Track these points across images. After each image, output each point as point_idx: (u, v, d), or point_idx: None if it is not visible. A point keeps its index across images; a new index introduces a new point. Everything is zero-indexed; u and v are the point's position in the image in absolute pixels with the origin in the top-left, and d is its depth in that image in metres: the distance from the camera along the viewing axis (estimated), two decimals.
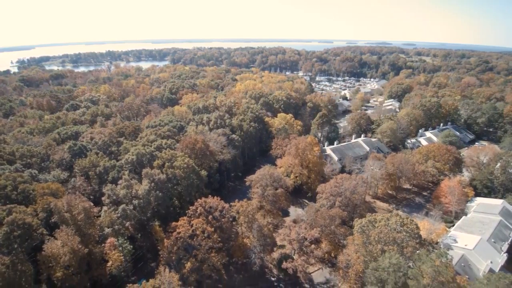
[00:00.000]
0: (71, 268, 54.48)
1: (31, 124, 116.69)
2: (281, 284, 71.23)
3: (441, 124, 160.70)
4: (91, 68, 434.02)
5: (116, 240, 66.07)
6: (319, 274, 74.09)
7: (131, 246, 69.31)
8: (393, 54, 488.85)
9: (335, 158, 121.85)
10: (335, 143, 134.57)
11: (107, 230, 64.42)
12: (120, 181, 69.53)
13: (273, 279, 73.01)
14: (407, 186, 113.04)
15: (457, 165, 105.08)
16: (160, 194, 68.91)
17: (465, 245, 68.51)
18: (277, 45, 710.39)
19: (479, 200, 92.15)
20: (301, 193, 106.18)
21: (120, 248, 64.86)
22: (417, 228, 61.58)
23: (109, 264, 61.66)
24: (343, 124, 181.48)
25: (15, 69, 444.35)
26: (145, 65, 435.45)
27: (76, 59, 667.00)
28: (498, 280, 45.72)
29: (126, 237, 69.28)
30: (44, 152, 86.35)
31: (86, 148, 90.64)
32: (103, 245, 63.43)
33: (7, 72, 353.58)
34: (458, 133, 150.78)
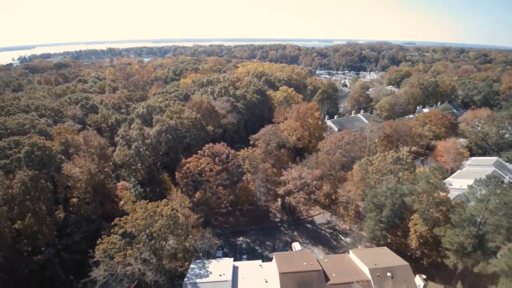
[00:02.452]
0: (87, 195, 58.06)
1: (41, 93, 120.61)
2: (284, 225, 74.79)
3: (439, 103, 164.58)
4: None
5: (128, 182, 69.90)
6: (321, 217, 77.75)
7: (142, 189, 72.91)
8: (393, 50, 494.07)
9: (335, 128, 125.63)
10: (335, 117, 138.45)
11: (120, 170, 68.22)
12: (132, 126, 73.28)
13: (276, 220, 76.65)
14: (404, 152, 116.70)
15: (452, 129, 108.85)
16: (170, 136, 72.60)
17: (460, 186, 72.11)
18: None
19: (474, 158, 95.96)
20: (302, 157, 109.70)
21: (132, 191, 68.48)
22: (413, 162, 65.35)
23: (121, 202, 65.32)
24: (343, 105, 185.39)
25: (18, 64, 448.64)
26: (146, 59, 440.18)
27: (77, 56, 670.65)
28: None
29: (137, 181, 72.90)
30: (57, 108, 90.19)
31: (97, 107, 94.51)
32: (115, 184, 67.20)
33: (10, 65, 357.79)
34: (455, 111, 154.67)
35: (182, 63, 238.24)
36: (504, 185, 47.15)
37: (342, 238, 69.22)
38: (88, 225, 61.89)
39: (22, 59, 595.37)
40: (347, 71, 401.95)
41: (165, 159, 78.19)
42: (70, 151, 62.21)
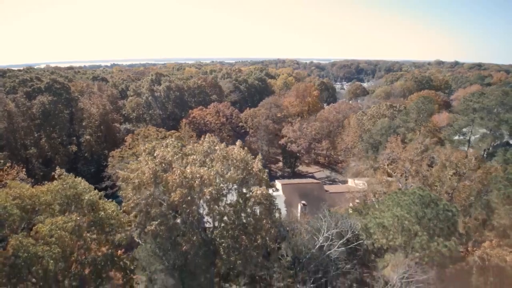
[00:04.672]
0: (99, 133, 61.81)
1: None
2: (285, 179, 77.67)
3: None
4: None
5: None
6: (321, 173, 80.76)
7: None
8: (389, 63, 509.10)
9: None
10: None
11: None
12: (142, 83, 78.13)
13: (277, 174, 79.62)
14: None
15: (446, 107, 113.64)
16: (178, 93, 77.20)
17: None
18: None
19: None
20: None
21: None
22: (406, 110, 69.41)
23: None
24: (341, 100, 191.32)
25: None
26: None
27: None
28: None
29: None
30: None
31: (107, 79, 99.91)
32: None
33: None
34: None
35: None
36: None
37: None
38: (97, 167, 65.07)
39: None
40: (344, 82, 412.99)
41: (172, 117, 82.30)
42: (84, 96, 66.66)
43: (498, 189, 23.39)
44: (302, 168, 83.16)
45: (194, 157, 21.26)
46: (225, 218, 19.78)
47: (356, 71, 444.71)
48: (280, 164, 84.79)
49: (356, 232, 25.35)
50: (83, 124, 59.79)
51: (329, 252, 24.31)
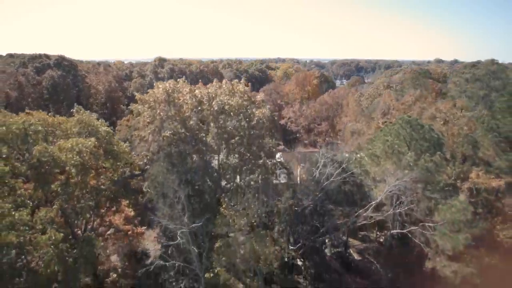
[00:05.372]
0: (105, 110, 63.78)
1: None
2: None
3: None
4: None
5: None
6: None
7: None
8: (389, 62, 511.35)
9: None
10: None
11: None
12: (146, 67, 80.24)
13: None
14: None
15: (441, 95, 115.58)
16: (181, 76, 79.28)
17: None
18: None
19: None
20: None
21: None
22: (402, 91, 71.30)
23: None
24: None
25: None
26: None
27: None
28: None
29: None
30: None
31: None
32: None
33: None
34: None
35: None
36: None
37: None
38: None
39: None
40: (344, 80, 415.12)
41: None
42: (91, 74, 68.81)
43: (482, 122, 25.24)
44: (301, 150, 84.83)
45: (202, 90, 23.04)
46: (232, 140, 21.42)
47: (356, 69, 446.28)
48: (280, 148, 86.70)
49: (351, 169, 27.19)
50: (90, 100, 61.75)
51: (325, 183, 26.13)
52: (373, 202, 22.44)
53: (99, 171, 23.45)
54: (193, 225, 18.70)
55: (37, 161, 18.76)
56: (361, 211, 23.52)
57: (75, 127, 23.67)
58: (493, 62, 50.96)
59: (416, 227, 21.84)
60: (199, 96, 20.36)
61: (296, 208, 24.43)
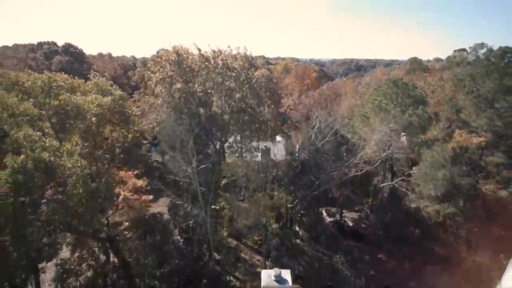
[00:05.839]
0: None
1: None
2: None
3: None
4: None
5: None
6: None
7: None
8: (389, 61, 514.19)
9: None
10: None
11: None
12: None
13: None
14: None
15: None
16: None
17: None
18: None
19: None
20: None
21: None
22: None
23: None
24: None
25: None
26: None
27: None
28: None
29: None
30: None
31: None
32: None
33: None
34: None
35: None
36: None
37: None
38: None
39: None
40: (344, 78, 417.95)
41: None
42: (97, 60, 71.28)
43: (464, 86, 27.54)
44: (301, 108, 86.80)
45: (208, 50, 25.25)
46: (233, 95, 23.70)
47: (356, 68, 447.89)
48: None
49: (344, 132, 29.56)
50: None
51: (320, 144, 28.46)
52: (362, 152, 24.64)
53: (114, 130, 25.69)
54: (201, 166, 21.01)
55: (61, 109, 21.06)
56: (351, 160, 25.75)
57: (92, 89, 25.97)
58: (482, 47, 53.21)
59: (403, 177, 24.09)
60: (206, 54, 22.63)
61: (294, 163, 26.77)
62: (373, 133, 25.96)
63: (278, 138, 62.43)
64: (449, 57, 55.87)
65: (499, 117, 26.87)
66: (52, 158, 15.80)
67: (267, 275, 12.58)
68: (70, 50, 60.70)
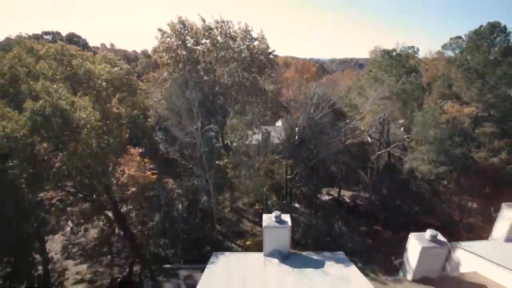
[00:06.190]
0: None
1: None
2: None
3: None
4: None
5: None
6: None
7: None
8: None
9: None
10: None
11: None
12: None
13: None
14: None
15: None
16: None
17: None
18: None
19: None
20: None
21: None
22: None
23: None
24: None
25: None
26: None
27: None
28: None
29: None
30: None
31: None
32: None
33: None
34: None
35: None
36: None
37: None
38: None
39: None
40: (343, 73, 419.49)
41: None
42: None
43: (455, 60, 28.75)
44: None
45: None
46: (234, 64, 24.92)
47: (357, 66, 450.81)
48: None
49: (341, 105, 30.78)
50: None
51: (318, 116, 29.68)
52: (358, 118, 25.89)
53: (121, 101, 26.90)
54: (206, 127, 22.25)
55: (73, 73, 22.28)
56: (348, 125, 26.97)
57: (101, 62, 27.21)
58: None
59: (397, 143, 25.29)
60: (210, 25, 23.87)
61: (295, 134, 28.01)
62: (368, 103, 27.22)
63: (278, 123, 63.76)
64: (444, 44, 56.90)
65: (490, 89, 28.11)
66: (68, 107, 17.00)
67: (267, 217, 13.66)
68: (74, 40, 61.94)
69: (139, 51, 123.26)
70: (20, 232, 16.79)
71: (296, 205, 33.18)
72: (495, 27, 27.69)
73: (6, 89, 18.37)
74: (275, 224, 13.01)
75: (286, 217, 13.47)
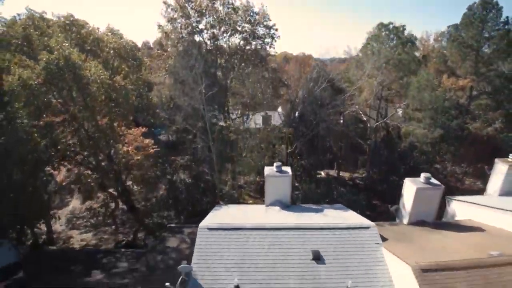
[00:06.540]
0: None
1: None
2: None
3: None
4: None
5: None
6: None
7: None
8: None
9: None
10: None
11: None
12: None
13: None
14: None
15: None
16: None
17: None
18: None
19: None
20: None
21: None
22: None
23: None
24: None
25: None
26: None
27: None
28: None
29: None
30: None
31: None
32: None
33: None
34: None
35: None
36: None
37: None
38: None
39: None
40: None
41: None
42: None
43: (450, 35, 29.67)
44: None
45: None
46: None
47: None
48: None
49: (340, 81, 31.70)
50: None
51: (318, 90, 30.60)
52: (356, 87, 26.75)
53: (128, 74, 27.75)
54: (210, 93, 23.16)
55: (83, 41, 23.21)
56: (346, 95, 27.84)
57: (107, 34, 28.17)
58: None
59: (394, 112, 26.14)
60: None
61: (297, 108, 28.94)
62: (365, 74, 28.09)
63: (279, 109, 64.33)
64: (442, 32, 57.98)
65: (484, 63, 29.02)
66: (80, 62, 17.92)
67: (269, 168, 13.95)
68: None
69: (139, 44, 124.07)
70: (29, 177, 17.24)
71: (296, 184, 34.03)
72: (487, 3, 28.61)
73: (21, 48, 19.31)
74: (276, 174, 13.31)
75: (287, 168, 13.83)
